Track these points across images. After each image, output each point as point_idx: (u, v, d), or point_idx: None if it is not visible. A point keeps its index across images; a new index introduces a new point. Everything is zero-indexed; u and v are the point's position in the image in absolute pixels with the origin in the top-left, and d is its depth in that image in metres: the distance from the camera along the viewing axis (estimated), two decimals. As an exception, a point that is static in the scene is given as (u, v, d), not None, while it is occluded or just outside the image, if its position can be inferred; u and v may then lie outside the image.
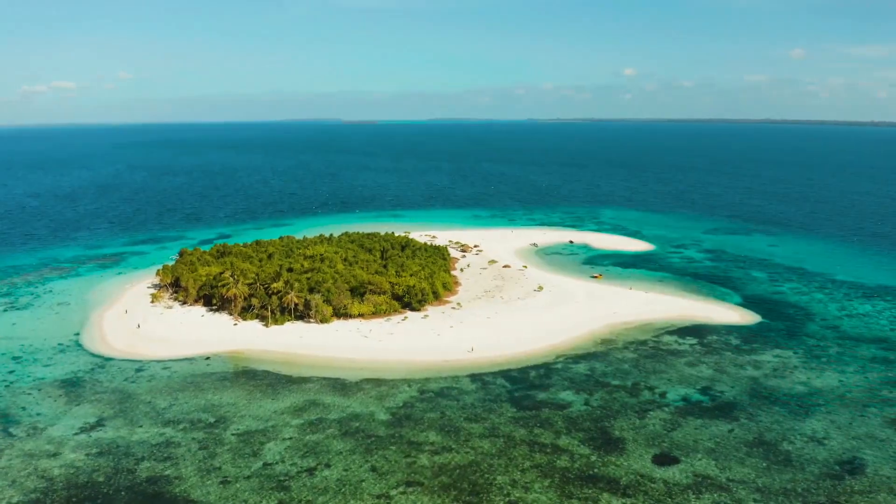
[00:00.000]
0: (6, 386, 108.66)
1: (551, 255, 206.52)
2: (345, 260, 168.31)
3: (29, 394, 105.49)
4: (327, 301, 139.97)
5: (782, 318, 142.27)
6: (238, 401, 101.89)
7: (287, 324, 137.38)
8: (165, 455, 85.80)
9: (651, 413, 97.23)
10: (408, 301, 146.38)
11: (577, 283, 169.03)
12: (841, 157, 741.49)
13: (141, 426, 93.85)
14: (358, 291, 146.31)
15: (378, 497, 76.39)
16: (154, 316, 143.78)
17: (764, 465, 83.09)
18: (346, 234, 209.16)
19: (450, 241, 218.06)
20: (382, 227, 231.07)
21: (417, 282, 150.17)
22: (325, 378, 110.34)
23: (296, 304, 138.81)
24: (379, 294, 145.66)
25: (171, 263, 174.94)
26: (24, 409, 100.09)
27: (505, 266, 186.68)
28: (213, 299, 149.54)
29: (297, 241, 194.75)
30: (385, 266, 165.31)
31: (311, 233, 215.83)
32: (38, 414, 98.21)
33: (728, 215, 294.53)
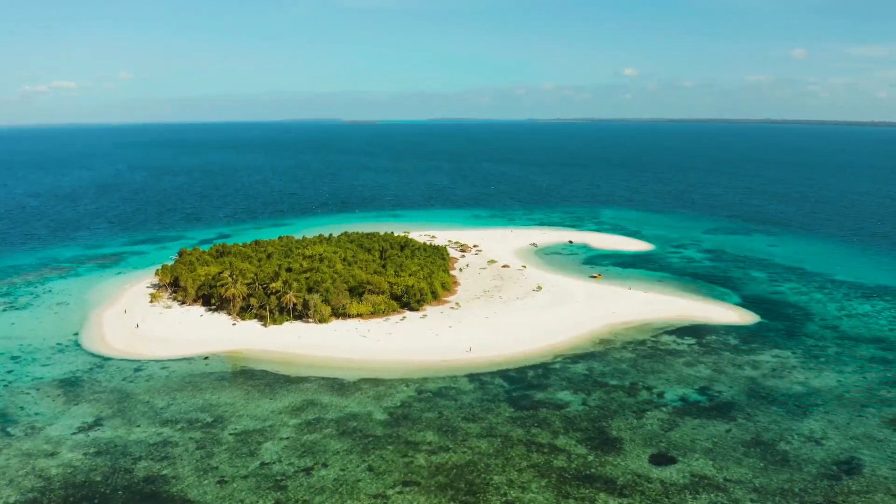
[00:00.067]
0: (5, 385, 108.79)
1: (551, 255, 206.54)
2: (344, 260, 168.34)
3: (27, 393, 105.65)
4: (326, 301, 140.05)
5: (781, 318, 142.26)
6: (236, 400, 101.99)
7: (285, 324, 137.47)
8: (163, 455, 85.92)
9: (649, 413, 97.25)
10: (406, 301, 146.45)
11: (576, 283, 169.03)
12: (841, 157, 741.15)
13: (139, 426, 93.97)
14: (356, 291, 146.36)
15: (375, 497, 76.41)
16: (153, 316, 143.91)
17: (761, 465, 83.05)
18: (346, 233, 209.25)
19: (449, 241, 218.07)
20: (382, 227, 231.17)
21: (416, 282, 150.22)
22: (322, 378, 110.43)
23: (294, 304, 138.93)
24: (377, 294, 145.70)
25: (170, 263, 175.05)
26: (22, 408, 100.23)
27: (504, 266, 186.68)
28: (211, 299, 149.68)
29: (296, 241, 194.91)
30: (384, 266, 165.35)
31: (311, 233, 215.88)
32: (37, 413, 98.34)
33: (728, 215, 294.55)
